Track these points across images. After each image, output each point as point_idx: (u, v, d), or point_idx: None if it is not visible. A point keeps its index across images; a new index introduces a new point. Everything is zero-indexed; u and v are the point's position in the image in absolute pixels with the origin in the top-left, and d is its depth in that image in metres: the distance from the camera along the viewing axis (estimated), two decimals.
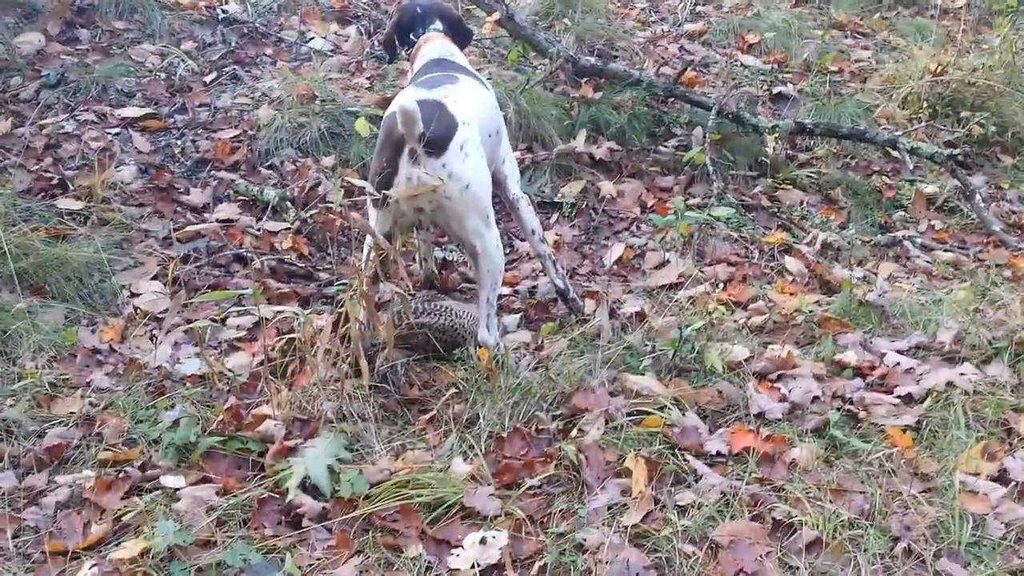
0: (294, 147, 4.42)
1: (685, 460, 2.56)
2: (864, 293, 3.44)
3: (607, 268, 3.87)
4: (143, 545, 2.18)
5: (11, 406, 2.80)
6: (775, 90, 5.18)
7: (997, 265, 3.97)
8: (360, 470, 2.45)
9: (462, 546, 2.22)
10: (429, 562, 2.23)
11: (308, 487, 2.42)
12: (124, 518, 2.33)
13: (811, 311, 3.34)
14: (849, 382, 2.96)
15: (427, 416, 2.74)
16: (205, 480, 2.49)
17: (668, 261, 3.85)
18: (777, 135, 4.39)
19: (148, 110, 4.65)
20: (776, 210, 4.34)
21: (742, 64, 5.51)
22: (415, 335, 3.05)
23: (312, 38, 5.47)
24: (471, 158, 2.83)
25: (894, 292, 3.56)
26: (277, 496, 2.40)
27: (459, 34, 3.57)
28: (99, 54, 5.10)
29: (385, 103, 4.45)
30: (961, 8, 7.15)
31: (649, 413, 2.73)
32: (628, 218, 4.23)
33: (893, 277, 3.83)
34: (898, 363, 3.03)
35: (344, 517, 2.34)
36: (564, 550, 2.24)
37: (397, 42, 3.59)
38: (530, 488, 2.44)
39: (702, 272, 3.77)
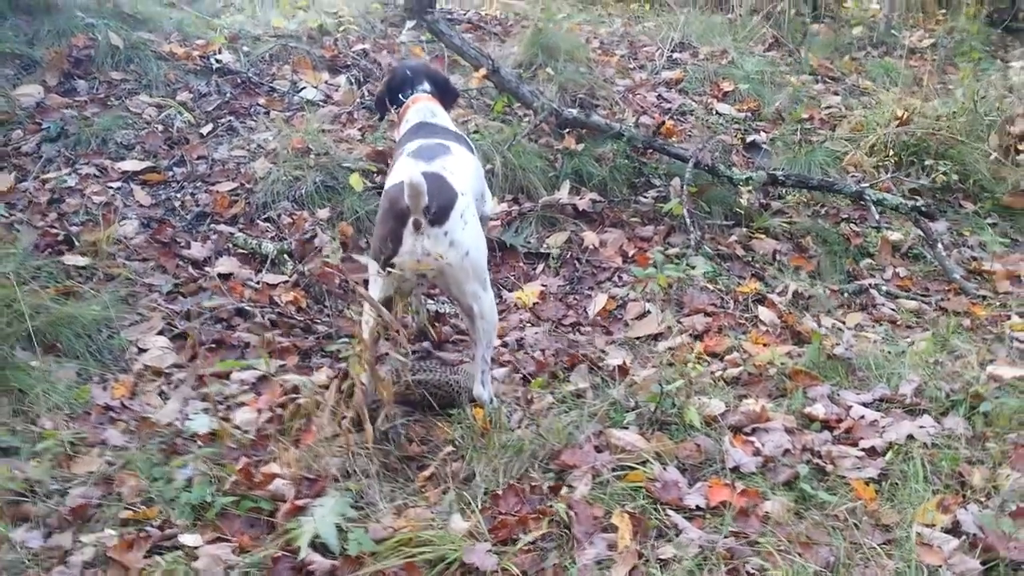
0: (290, 200, 4.60)
1: (667, 515, 2.76)
2: (832, 346, 3.66)
3: (590, 319, 4.08)
4: None
5: (35, 466, 2.97)
6: (748, 139, 5.42)
7: (957, 313, 4.21)
8: (365, 528, 2.63)
9: None
10: None
11: (318, 545, 2.60)
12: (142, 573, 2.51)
13: (783, 363, 3.55)
14: (817, 435, 3.18)
15: (426, 473, 2.94)
16: (221, 539, 2.67)
17: (649, 312, 4.06)
18: (750, 187, 4.62)
19: (148, 163, 4.83)
20: (750, 259, 4.56)
21: (717, 112, 5.75)
22: (412, 392, 3.25)
23: (304, 88, 5.67)
24: (470, 225, 3.04)
25: (860, 344, 3.78)
26: (290, 554, 2.58)
27: (445, 94, 3.81)
28: (98, 106, 5.28)
29: (377, 155, 4.68)
30: (927, 48, 7.45)
31: (633, 468, 2.93)
32: (611, 268, 4.44)
33: (860, 327, 4.06)
34: (863, 416, 3.26)
35: (352, 574, 2.52)
36: None
37: (388, 101, 3.80)
38: (525, 544, 2.63)
39: (680, 323, 3.99)
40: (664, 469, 2.95)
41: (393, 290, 3.09)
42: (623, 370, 3.57)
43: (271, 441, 3.02)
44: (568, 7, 8.25)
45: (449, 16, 7.22)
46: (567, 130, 5.04)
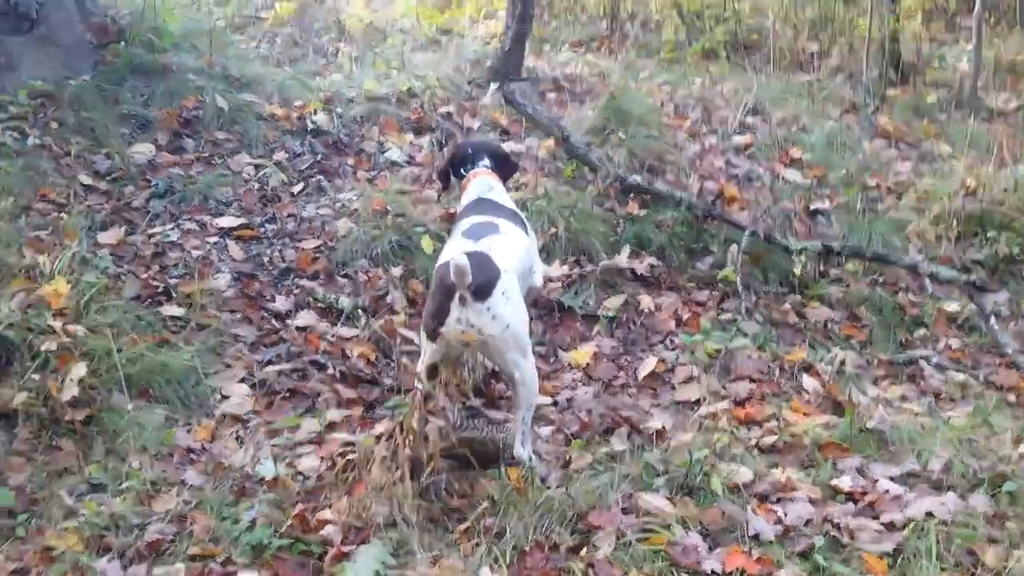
0: (367, 258, 4.96)
1: None
2: (866, 419, 3.79)
3: (638, 381, 4.29)
4: None
5: (120, 502, 3.35)
6: (812, 206, 5.56)
7: (1004, 388, 4.28)
8: (402, 575, 2.91)
9: None
10: None
11: None
12: None
13: (816, 434, 3.71)
14: (841, 507, 3.33)
15: (463, 526, 3.20)
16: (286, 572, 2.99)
17: (695, 377, 4.26)
18: (802, 257, 4.78)
19: (242, 220, 5.27)
20: (803, 327, 4.71)
21: (783, 179, 5.90)
22: (458, 448, 3.53)
23: (389, 149, 6.06)
24: (511, 301, 3.32)
25: (897, 416, 3.90)
26: None
27: (504, 168, 4.12)
28: (202, 164, 5.77)
29: (448, 217, 5.01)
30: (1013, 111, 7.45)
31: (656, 531, 3.14)
32: (664, 331, 4.65)
33: (904, 398, 4.17)
34: (887, 490, 3.40)
35: None
36: None
37: (451, 175, 4.12)
38: None
39: (724, 388, 4.18)
40: (686, 533, 3.14)
41: (440, 357, 3.40)
42: (661, 434, 3.78)
43: (328, 489, 3.33)
44: (652, 65, 8.51)
45: (534, 77, 7.54)
46: (631, 195, 5.28)
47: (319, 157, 5.96)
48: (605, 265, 4.90)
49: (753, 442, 3.74)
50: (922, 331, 4.84)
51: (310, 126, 6.22)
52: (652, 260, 4.97)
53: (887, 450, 3.70)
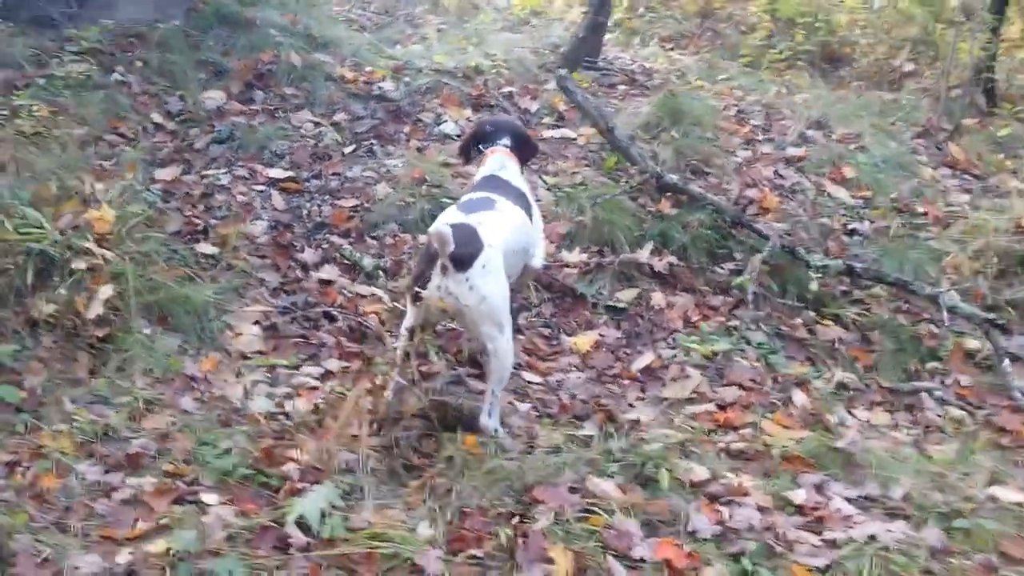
0: (398, 223, 5.16)
1: (607, 561, 3.07)
2: (838, 439, 3.82)
3: (631, 373, 4.39)
4: (167, 545, 2.91)
5: (114, 414, 3.63)
6: (850, 226, 5.53)
7: (1001, 430, 4.23)
8: (345, 517, 3.10)
9: None
10: None
11: (303, 524, 3.09)
12: (163, 520, 3.07)
13: (784, 447, 3.76)
14: (788, 518, 3.38)
15: (417, 483, 3.37)
16: (232, 501, 3.21)
17: (688, 377, 4.33)
18: (819, 274, 4.78)
19: (290, 173, 5.53)
20: (811, 343, 4.72)
21: (828, 195, 5.87)
22: (434, 410, 3.71)
23: (445, 121, 6.23)
24: (491, 275, 3.46)
25: (877, 441, 3.91)
26: (277, 526, 3.09)
27: (523, 150, 4.23)
28: (266, 116, 6.05)
29: None
30: None
31: (597, 514, 3.25)
32: (669, 329, 4.72)
33: (895, 426, 4.16)
34: (839, 509, 3.43)
35: (321, 553, 2.99)
36: None
37: (472, 150, 4.26)
38: (472, 557, 3.02)
39: (713, 391, 4.24)
40: (625, 520, 3.25)
41: (420, 321, 3.57)
42: (634, 426, 3.88)
43: (299, 431, 3.54)
44: (734, 68, 8.49)
45: (608, 67, 7.62)
46: (665, 194, 5.34)
47: (377, 122, 6.18)
48: (625, 258, 4.98)
49: (723, 445, 3.80)
50: (934, 364, 4.78)
51: (376, 91, 6.43)
52: (673, 259, 5.03)
53: (854, 472, 3.71)
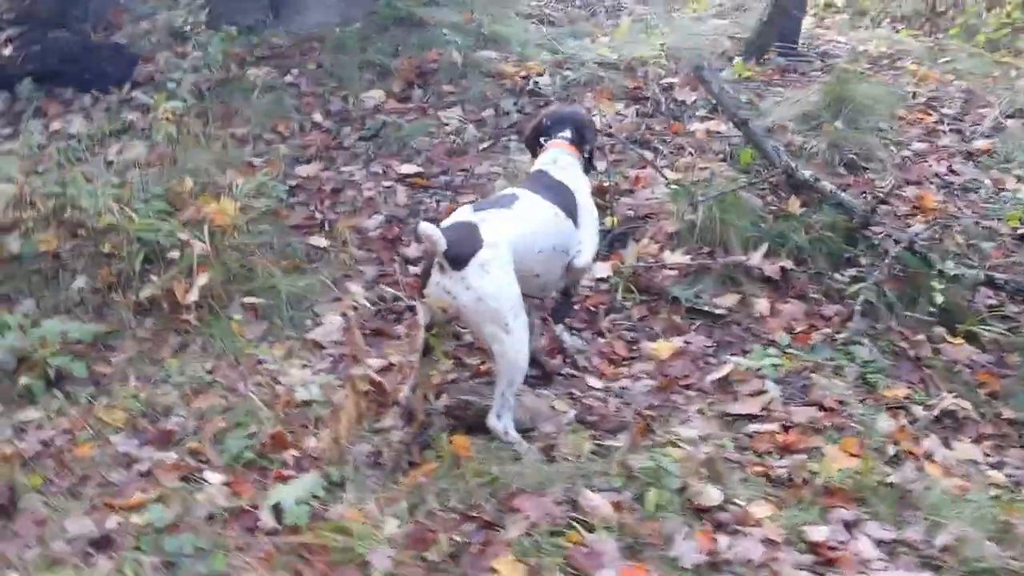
0: None
1: None
2: (891, 473, 3.34)
3: (704, 384, 4.07)
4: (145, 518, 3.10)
5: (172, 392, 3.91)
6: (1021, 231, 4.79)
7: None
8: (310, 507, 3.14)
9: None
10: None
11: (279, 510, 3.16)
12: (159, 494, 3.27)
13: (829, 477, 3.34)
14: (796, 556, 3.01)
15: (407, 480, 3.34)
16: (230, 483, 3.35)
17: (765, 392, 3.95)
18: (947, 284, 4.18)
19: (420, 169, 5.64)
20: (931, 363, 4.15)
21: (1008, 194, 5.11)
22: (458, 408, 3.67)
23: (593, 116, 6.07)
24: (490, 275, 3.34)
25: (952, 479, 3.38)
26: (253, 510, 3.19)
27: (587, 140, 4.05)
28: (417, 113, 6.22)
29: (599, 191, 5.00)
30: None
31: (574, 529, 3.06)
32: (767, 339, 4.32)
33: (989, 464, 3.58)
34: (860, 552, 3.01)
35: (282, 539, 3.05)
36: None
37: (535, 145, 4.13)
38: (421, 559, 2.95)
39: (786, 410, 3.85)
40: (603, 539, 3.03)
41: (429, 318, 3.53)
42: (675, 441, 3.60)
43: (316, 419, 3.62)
44: (962, 52, 7.62)
45: (804, 54, 7.09)
46: (797, 191, 4.90)
47: (522, 118, 6.14)
48: (730, 260, 4.62)
49: (761, 469, 3.44)
50: None
51: (529, 87, 6.40)
52: (787, 263, 4.60)
53: (904, 512, 3.23)
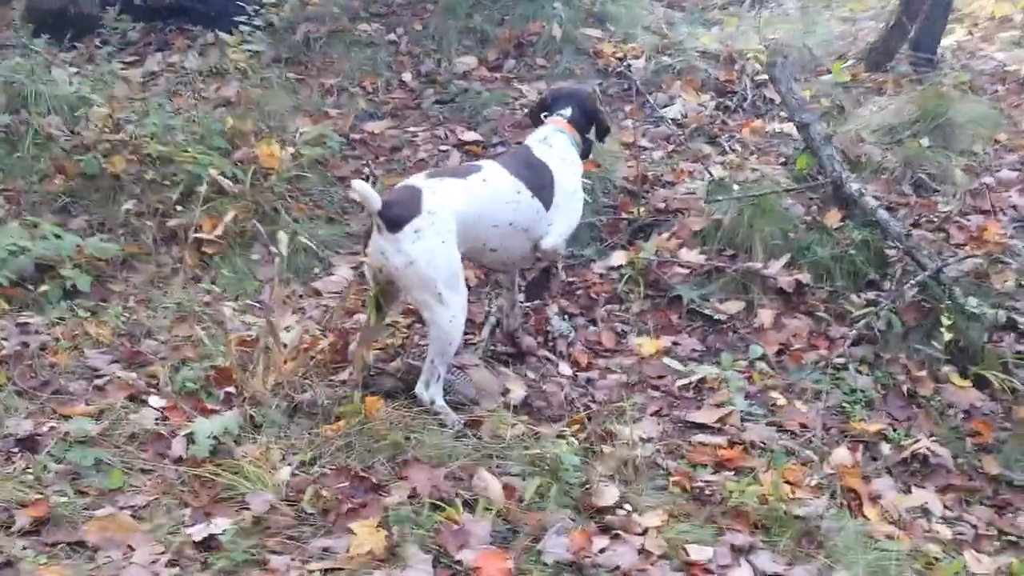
0: None
1: (414, 551, 2.90)
2: (799, 506, 3.13)
3: (673, 387, 3.94)
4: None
5: (160, 318, 4.15)
6: None
7: None
8: (217, 442, 3.27)
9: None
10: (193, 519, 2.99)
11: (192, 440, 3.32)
12: (96, 408, 3.49)
13: (740, 497, 3.18)
14: (666, 571, 2.89)
15: (321, 433, 3.41)
16: (165, 409, 3.53)
17: (731, 405, 3.79)
18: (953, 321, 3.83)
19: (480, 137, 5.66)
20: (924, 401, 3.84)
21: None
22: (407, 373, 3.72)
23: (672, 104, 5.91)
24: (423, 241, 3.34)
25: (871, 522, 3.15)
26: (169, 437, 3.36)
27: (587, 122, 3.98)
28: (501, 83, 6.24)
29: (638, 179, 4.90)
30: None
31: (452, 507, 3.06)
32: (759, 352, 4.12)
33: (922, 511, 3.30)
34: None
35: (186, 469, 3.20)
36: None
37: (537, 118, 4.08)
38: (295, 509, 3.03)
39: (742, 426, 3.67)
40: (479, 521, 3.01)
41: (372, 279, 3.59)
42: (604, 438, 3.52)
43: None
44: None
45: (935, 65, 6.60)
46: (841, 205, 4.61)
47: (603, 97, 6.05)
48: (745, 267, 4.41)
49: (681, 481, 3.32)
50: None
51: (621, 68, 6.29)
52: (803, 277, 4.34)
53: (808, 548, 3.03)
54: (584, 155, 4.03)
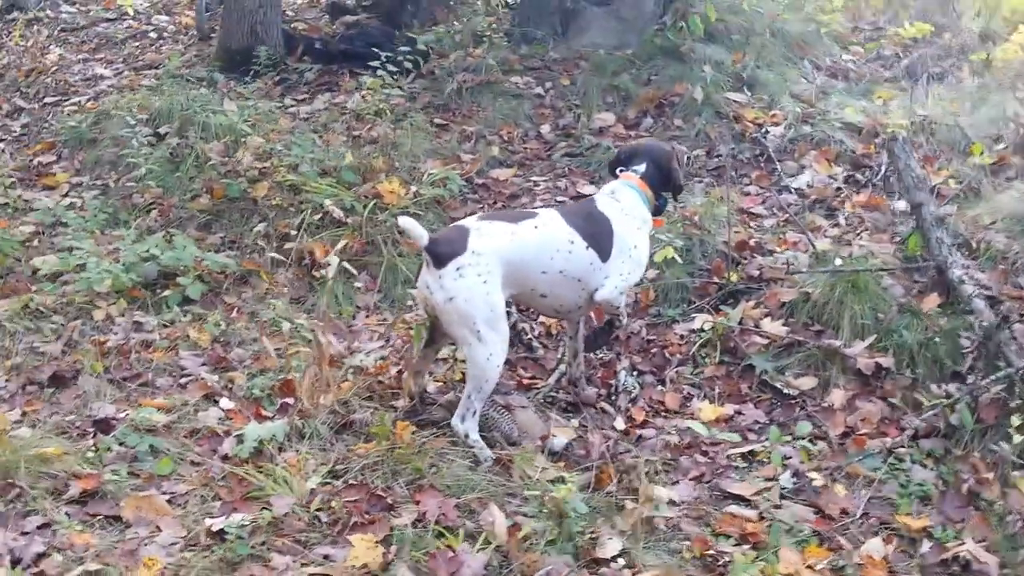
0: None
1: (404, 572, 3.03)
2: None
3: (720, 456, 3.89)
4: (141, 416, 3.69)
5: (256, 331, 4.50)
6: None
7: None
8: (260, 448, 3.53)
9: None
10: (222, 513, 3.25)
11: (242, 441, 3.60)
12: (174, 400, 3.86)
13: (739, 565, 3.12)
14: None
15: (356, 449, 3.62)
16: (232, 411, 3.85)
17: (772, 480, 3.70)
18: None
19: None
20: (985, 504, 3.61)
21: None
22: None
23: (800, 176, 5.81)
24: (465, 280, 3.50)
25: None
26: (224, 436, 3.66)
27: (660, 180, 4.03)
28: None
29: (738, 246, 4.88)
30: None
31: (454, 535, 3.18)
32: (822, 432, 4.00)
33: None
34: None
35: (232, 467, 3.48)
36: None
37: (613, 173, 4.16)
38: (311, 515, 3.23)
39: (776, 507, 3.59)
40: (474, 554, 3.11)
41: (423, 311, 3.77)
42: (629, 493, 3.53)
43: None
44: None
45: None
46: (941, 291, 4.41)
47: (733, 162, 6.04)
48: (826, 345, 4.28)
49: (701, 547, 3.29)
50: None
51: (756, 135, 6.25)
52: (885, 360, 4.17)
53: None
54: (657, 212, 4.07)
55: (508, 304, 3.87)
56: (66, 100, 7.73)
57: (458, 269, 3.53)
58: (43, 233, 5.54)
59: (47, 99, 7.85)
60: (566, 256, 3.76)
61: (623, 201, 3.94)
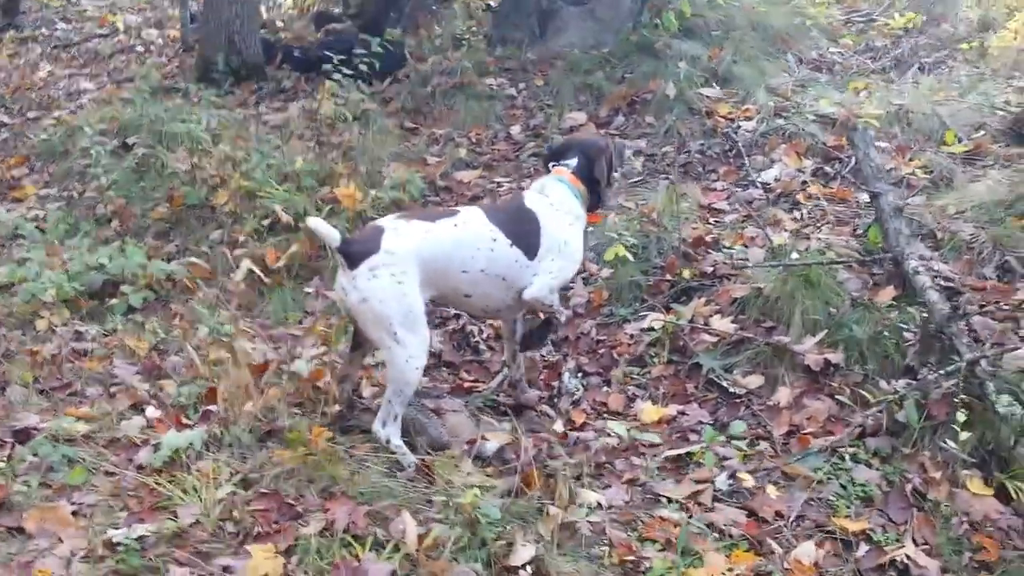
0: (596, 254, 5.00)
1: None
2: None
3: (659, 457, 3.76)
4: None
5: (192, 336, 4.44)
6: None
7: None
8: (176, 457, 3.45)
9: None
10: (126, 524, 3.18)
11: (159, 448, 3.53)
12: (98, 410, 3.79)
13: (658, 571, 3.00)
14: None
15: (274, 456, 3.52)
16: (156, 420, 3.77)
17: (707, 483, 3.57)
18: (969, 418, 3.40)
19: None
20: (932, 507, 3.44)
21: None
22: None
23: (768, 170, 5.66)
24: (378, 280, 3.39)
25: None
26: (141, 444, 3.59)
27: (593, 174, 3.89)
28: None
29: (695, 242, 4.76)
30: None
31: (360, 544, 3.08)
32: (766, 431, 3.86)
33: None
34: None
35: (133, 474, 3.41)
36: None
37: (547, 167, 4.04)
38: (218, 524, 3.15)
39: (710, 506, 3.45)
40: (380, 562, 3.01)
41: (343, 313, 3.68)
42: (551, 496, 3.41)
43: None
44: None
45: None
46: (897, 283, 4.25)
47: (702, 159, 5.90)
48: (776, 340, 4.14)
49: (623, 553, 3.17)
50: None
51: (726, 130, 6.11)
52: (834, 356, 4.02)
53: None
54: (591, 208, 3.95)
55: (436, 305, 3.77)
56: (48, 114, 7.75)
57: (371, 269, 3.43)
58: (4, 246, 5.52)
59: (30, 114, 7.87)
60: (488, 254, 3.64)
61: (552, 196, 3.82)
